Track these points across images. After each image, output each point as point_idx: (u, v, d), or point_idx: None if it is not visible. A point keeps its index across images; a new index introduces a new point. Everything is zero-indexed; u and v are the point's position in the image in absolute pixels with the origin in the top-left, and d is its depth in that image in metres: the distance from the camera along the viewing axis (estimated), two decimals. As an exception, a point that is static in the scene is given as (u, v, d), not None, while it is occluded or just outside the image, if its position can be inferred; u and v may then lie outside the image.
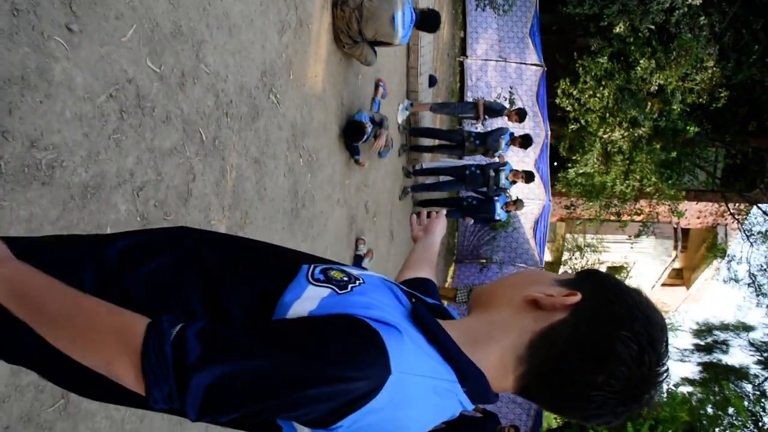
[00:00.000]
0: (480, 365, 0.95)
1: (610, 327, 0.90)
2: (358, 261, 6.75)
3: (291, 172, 4.57)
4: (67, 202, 2.24)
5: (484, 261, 13.76)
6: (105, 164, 2.44)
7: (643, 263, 21.07)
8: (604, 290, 0.96)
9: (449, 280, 14.14)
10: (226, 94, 3.41)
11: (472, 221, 9.56)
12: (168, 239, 1.14)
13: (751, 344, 16.03)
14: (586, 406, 0.92)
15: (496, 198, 8.64)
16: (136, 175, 2.66)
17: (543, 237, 13.39)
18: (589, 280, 1.00)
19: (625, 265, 20.88)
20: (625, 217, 14.65)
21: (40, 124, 2.08)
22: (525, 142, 8.21)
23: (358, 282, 0.99)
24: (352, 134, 5.85)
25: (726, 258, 15.99)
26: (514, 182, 8.51)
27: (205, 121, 3.19)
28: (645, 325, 0.90)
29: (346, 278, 0.99)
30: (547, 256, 19.01)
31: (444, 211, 1.81)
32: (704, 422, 13.24)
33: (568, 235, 20.71)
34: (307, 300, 0.92)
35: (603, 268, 21.48)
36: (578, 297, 0.94)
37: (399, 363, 0.84)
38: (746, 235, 14.34)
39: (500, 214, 8.75)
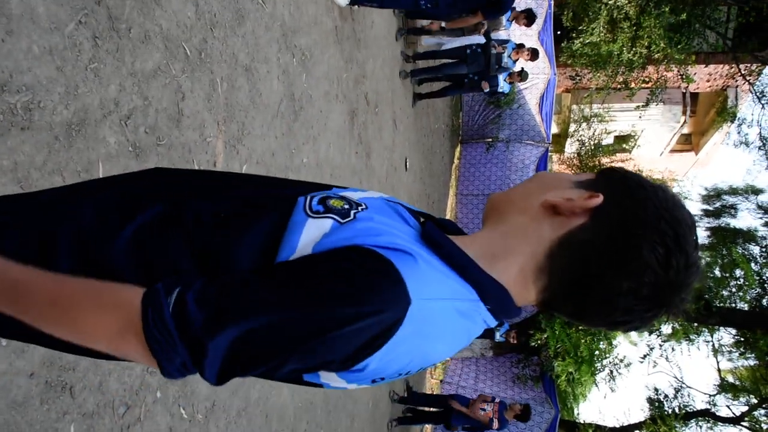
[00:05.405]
0: (501, 280, 0.90)
1: (634, 229, 0.84)
2: None
3: (285, 74, 4.38)
4: (52, 144, 2.13)
5: (490, 140, 13.59)
6: (86, 97, 2.30)
7: (651, 131, 20.79)
8: (626, 189, 0.88)
9: (456, 161, 14.06)
10: (206, 2, 3.18)
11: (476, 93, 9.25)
12: (143, 189, 1.03)
13: (760, 207, 16.04)
14: (612, 312, 0.87)
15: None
16: (122, 103, 2.52)
17: (549, 112, 13.12)
18: (610, 180, 0.92)
19: (633, 134, 20.61)
20: (633, 86, 14.25)
21: (7, 65, 1.93)
22: (529, 18, 7.79)
23: (360, 207, 0.91)
24: None
25: (736, 121, 15.65)
26: (518, 60, 8.19)
27: (187, 34, 2.99)
28: (672, 225, 0.83)
29: (347, 205, 0.90)
30: (554, 129, 18.74)
31: None
32: (711, 285, 13.56)
33: (574, 106, 20.35)
34: (310, 237, 0.85)
35: (610, 138, 21.26)
36: (599, 199, 0.87)
37: (418, 290, 0.79)
38: (758, 97, 13.88)
39: (504, 86, 8.42)
